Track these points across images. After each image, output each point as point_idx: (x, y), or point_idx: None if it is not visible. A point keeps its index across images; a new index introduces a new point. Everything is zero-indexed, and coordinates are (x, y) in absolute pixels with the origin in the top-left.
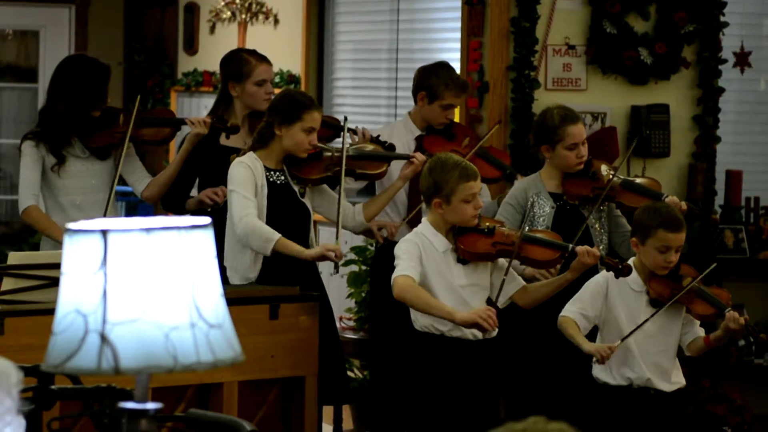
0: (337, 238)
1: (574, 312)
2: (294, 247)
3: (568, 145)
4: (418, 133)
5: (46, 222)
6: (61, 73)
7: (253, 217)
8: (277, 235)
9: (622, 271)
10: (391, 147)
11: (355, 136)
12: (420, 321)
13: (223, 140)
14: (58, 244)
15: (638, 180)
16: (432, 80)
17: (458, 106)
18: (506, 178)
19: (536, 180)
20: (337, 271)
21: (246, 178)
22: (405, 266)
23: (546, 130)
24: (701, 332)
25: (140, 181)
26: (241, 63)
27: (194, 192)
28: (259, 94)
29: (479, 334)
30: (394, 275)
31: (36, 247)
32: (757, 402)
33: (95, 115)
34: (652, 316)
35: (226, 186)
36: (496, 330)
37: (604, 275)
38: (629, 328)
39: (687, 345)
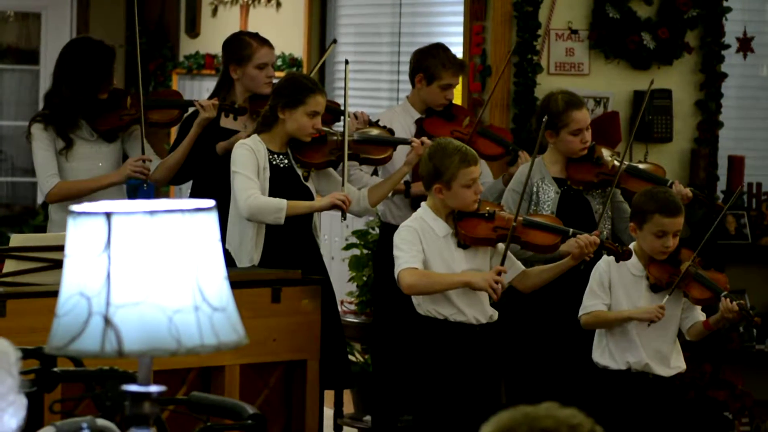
0: (343, 184)
1: (596, 304)
2: (304, 204)
3: (573, 131)
4: (417, 116)
5: (79, 184)
6: (66, 57)
7: (256, 195)
8: (284, 202)
9: (622, 255)
10: (390, 131)
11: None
12: (423, 306)
13: (223, 122)
14: (64, 226)
15: (642, 166)
16: (429, 61)
17: (456, 86)
18: (509, 155)
19: (540, 165)
20: (344, 219)
21: (248, 159)
22: (406, 258)
23: (550, 115)
24: (701, 316)
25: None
26: (242, 46)
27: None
28: (260, 78)
29: (482, 319)
30: (397, 270)
31: (37, 229)
32: (759, 388)
33: (102, 98)
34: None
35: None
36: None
37: (605, 261)
38: None
39: (687, 329)
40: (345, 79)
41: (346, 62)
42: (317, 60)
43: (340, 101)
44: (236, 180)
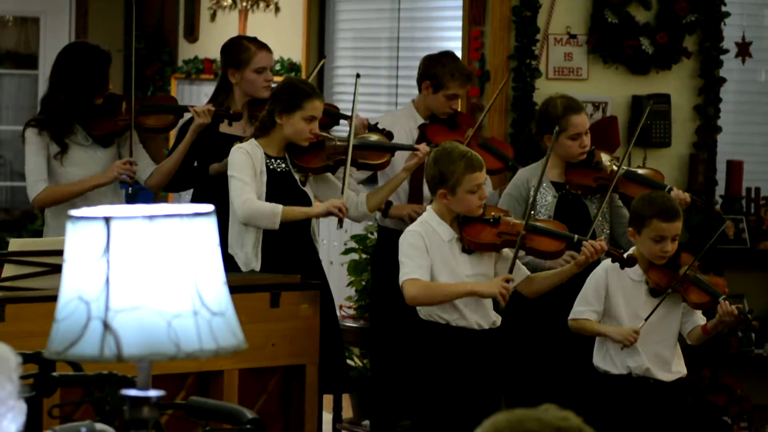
0: (342, 192)
1: (585, 312)
2: (300, 210)
3: (571, 135)
4: (421, 121)
5: (63, 189)
6: (62, 61)
7: (252, 200)
8: (279, 208)
9: (627, 262)
10: (389, 134)
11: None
12: (425, 310)
13: (222, 128)
14: (61, 231)
15: (641, 171)
16: (437, 69)
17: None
18: (508, 170)
19: (538, 169)
20: (341, 227)
21: (244, 163)
22: (411, 268)
23: (549, 119)
24: (701, 320)
25: (145, 169)
26: (240, 50)
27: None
28: (259, 82)
29: (484, 325)
30: (401, 280)
31: (36, 234)
32: (757, 392)
33: (97, 103)
34: (666, 295)
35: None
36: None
37: (603, 266)
38: (629, 318)
39: (687, 333)
40: (354, 93)
41: (357, 75)
42: (315, 64)
43: (339, 105)
44: (232, 184)
